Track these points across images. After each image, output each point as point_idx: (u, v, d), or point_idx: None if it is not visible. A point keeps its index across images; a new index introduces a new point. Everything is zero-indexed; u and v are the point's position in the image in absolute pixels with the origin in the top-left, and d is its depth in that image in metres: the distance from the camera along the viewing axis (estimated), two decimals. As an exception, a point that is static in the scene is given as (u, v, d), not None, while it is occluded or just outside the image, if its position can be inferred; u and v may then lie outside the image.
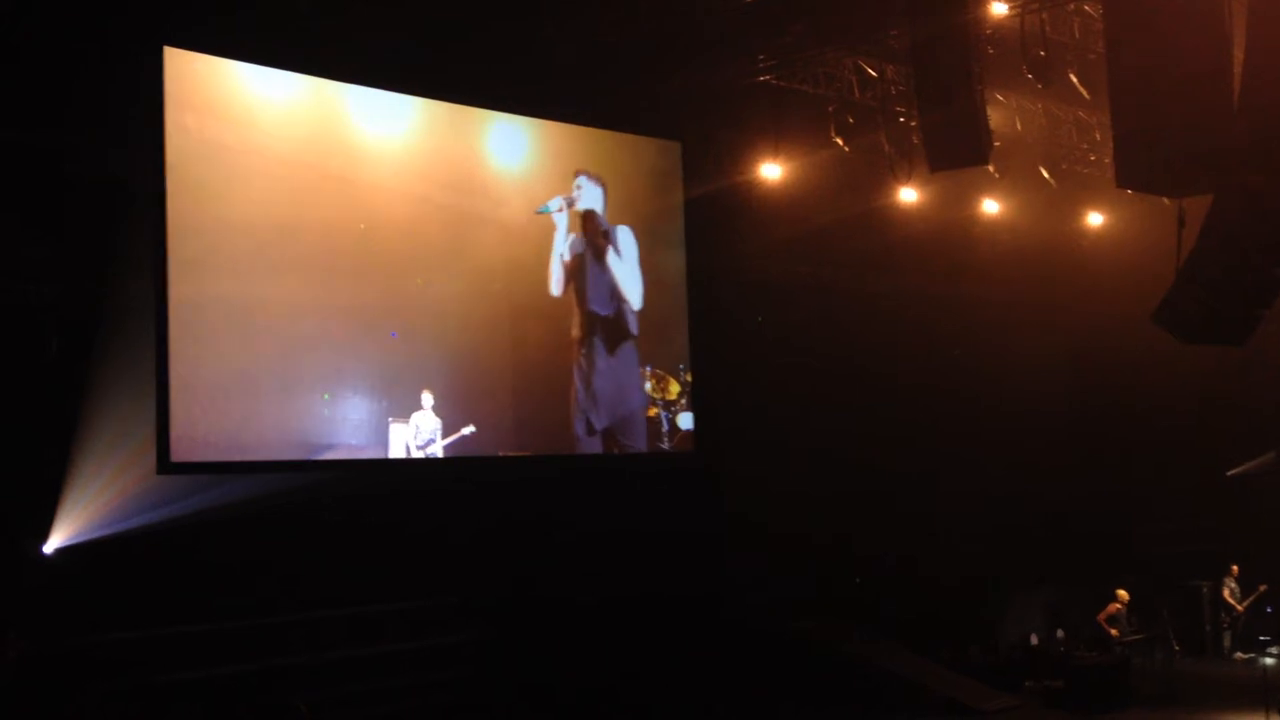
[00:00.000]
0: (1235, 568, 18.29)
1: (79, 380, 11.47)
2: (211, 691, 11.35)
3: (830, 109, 15.29)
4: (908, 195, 16.12)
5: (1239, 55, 9.37)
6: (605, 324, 15.26)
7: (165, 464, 11.74)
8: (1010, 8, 12.74)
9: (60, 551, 11.34)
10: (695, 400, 16.06)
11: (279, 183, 12.75)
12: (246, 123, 12.56)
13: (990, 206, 17.79)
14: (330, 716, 11.69)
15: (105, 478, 11.59)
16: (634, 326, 15.49)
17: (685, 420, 16.00)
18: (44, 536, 11.30)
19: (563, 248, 14.88)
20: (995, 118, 13.85)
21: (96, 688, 10.82)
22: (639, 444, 15.44)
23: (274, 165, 12.72)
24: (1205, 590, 18.29)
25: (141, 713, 10.86)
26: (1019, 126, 16.26)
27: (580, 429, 14.94)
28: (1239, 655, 17.70)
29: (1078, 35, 14.10)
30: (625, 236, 15.44)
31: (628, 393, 15.43)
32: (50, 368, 11.50)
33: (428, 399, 13.66)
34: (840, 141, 15.38)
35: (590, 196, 15.12)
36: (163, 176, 11.84)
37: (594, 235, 15.14)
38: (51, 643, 10.85)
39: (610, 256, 15.23)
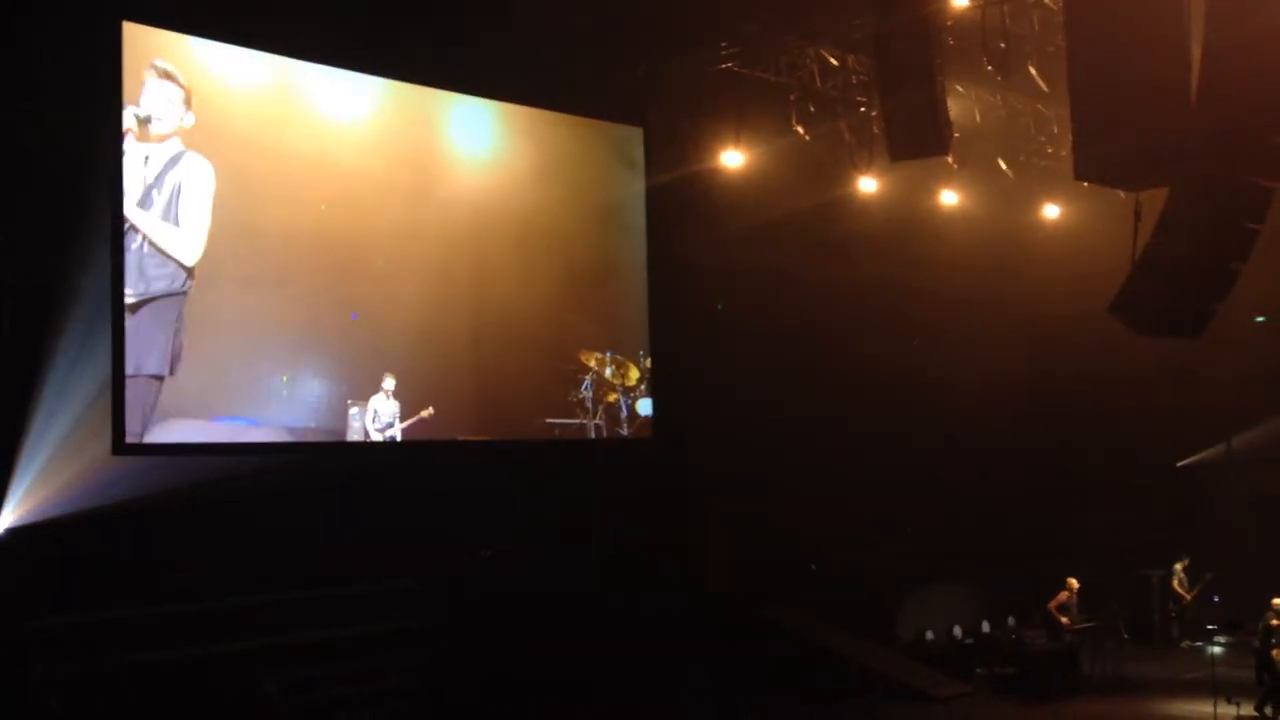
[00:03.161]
0: (1184, 558, 18.53)
1: (33, 359, 11.32)
2: (175, 674, 11.24)
3: (792, 97, 15.37)
4: (867, 185, 16.21)
5: (1197, 50, 9.48)
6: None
7: (120, 445, 11.63)
8: (971, 0, 12.82)
9: (11, 532, 11.21)
10: (655, 386, 16.09)
11: (237, 162, 12.63)
12: (205, 100, 12.42)
13: (949, 197, 17.92)
14: (297, 698, 11.65)
15: (59, 458, 11.43)
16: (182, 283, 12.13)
17: (645, 406, 16.03)
18: (-6, 517, 11.20)
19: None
20: (955, 109, 13.97)
21: (51, 670, 10.69)
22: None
23: (233, 144, 12.58)
24: (1154, 580, 18.52)
25: (99, 696, 10.75)
26: (978, 118, 16.39)
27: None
28: (1187, 644, 17.94)
29: (1037, 28, 14.23)
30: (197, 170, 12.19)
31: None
32: (3, 346, 11.34)
33: (389, 382, 13.59)
34: (801, 130, 15.47)
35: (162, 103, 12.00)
36: (120, 154, 11.71)
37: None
38: (2, 625, 10.72)
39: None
